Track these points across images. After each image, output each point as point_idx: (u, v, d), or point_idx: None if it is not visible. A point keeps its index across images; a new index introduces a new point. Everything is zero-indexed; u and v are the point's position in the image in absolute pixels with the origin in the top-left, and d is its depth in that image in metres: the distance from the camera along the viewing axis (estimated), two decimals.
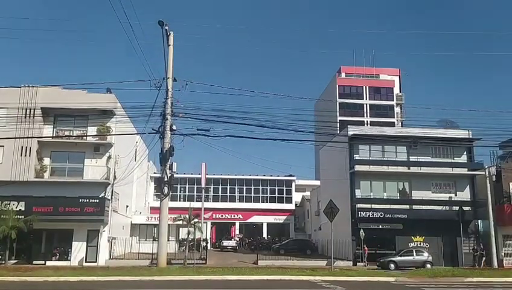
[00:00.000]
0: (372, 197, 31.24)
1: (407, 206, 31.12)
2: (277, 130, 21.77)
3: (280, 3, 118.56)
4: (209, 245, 36.52)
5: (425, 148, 31.86)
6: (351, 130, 32.50)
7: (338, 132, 37.22)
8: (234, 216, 49.00)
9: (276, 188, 50.24)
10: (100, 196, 26.53)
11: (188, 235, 28.33)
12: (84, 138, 27.74)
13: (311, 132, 28.50)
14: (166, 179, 22.63)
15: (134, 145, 34.39)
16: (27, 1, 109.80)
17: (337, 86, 62.42)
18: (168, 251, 24.83)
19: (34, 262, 25.49)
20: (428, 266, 27.31)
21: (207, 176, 44.43)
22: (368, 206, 30.58)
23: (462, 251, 30.29)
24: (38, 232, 26.20)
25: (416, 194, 31.43)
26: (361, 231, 28.85)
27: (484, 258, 29.46)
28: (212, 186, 49.24)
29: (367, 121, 59.12)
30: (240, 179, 50.06)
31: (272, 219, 49.04)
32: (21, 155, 26.22)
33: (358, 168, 31.01)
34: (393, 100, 62.04)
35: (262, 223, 49.17)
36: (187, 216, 27.83)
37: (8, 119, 25.37)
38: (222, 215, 48.76)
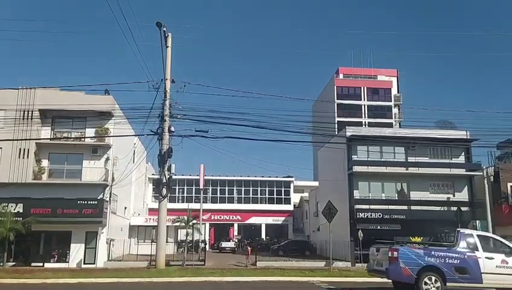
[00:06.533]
0: (370, 197, 31.24)
1: (405, 207, 31.13)
2: (275, 131, 21.75)
3: (278, 4, 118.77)
4: (207, 246, 36.56)
5: (423, 148, 31.88)
6: (349, 131, 32.50)
7: (336, 132, 37.29)
8: (233, 217, 48.97)
9: (275, 189, 50.23)
10: (98, 198, 26.48)
11: (186, 237, 28.35)
12: (82, 139, 27.67)
13: (309, 133, 28.52)
14: (164, 181, 22.62)
15: (133, 147, 34.36)
16: (18, 2, 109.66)
17: (335, 86, 62.44)
18: (167, 253, 24.76)
19: (32, 264, 25.37)
20: None
21: (205, 177, 44.42)
22: (367, 207, 30.59)
23: None
24: (37, 234, 26.13)
25: (415, 195, 31.45)
26: (360, 231, 28.86)
27: None
28: (210, 188, 49.19)
29: (365, 122, 59.10)
30: (238, 180, 50.03)
31: (270, 220, 49.03)
32: (19, 157, 26.15)
33: (356, 169, 31.04)
34: (391, 101, 62.06)
35: (260, 225, 49.16)
36: (185, 217, 27.87)
37: (5, 121, 25.31)
38: (220, 217, 48.74)
